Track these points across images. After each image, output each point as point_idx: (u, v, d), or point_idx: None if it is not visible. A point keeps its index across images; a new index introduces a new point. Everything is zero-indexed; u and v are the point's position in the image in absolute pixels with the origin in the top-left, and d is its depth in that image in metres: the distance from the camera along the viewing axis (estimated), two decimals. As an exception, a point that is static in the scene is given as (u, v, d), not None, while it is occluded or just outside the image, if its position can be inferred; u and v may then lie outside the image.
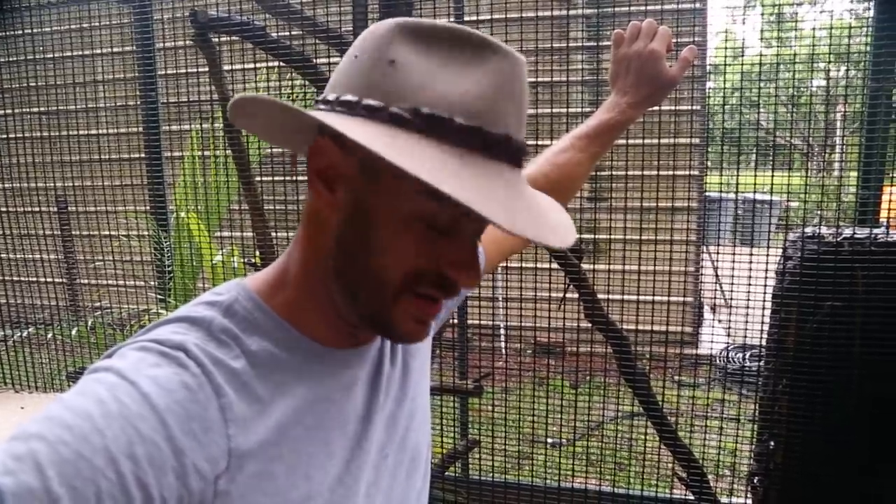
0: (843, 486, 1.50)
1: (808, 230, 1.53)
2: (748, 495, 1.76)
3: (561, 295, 2.25)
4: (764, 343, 1.58)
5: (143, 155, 2.71)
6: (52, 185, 2.91)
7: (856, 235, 1.48)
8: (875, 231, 1.51)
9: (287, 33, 1.93)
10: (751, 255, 1.75)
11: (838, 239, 1.48)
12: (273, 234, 1.93)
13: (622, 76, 1.08)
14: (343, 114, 0.59)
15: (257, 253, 1.96)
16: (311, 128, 0.64)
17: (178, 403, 0.55)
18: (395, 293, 0.62)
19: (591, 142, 1.07)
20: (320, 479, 0.65)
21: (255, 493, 0.60)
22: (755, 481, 1.55)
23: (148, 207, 2.65)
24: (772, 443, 1.51)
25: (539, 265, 2.75)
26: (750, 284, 1.64)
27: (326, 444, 0.66)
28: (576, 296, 2.00)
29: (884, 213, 1.91)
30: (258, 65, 2.45)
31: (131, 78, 2.81)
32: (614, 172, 3.33)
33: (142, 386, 0.54)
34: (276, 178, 2.32)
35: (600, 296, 2.16)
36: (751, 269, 1.78)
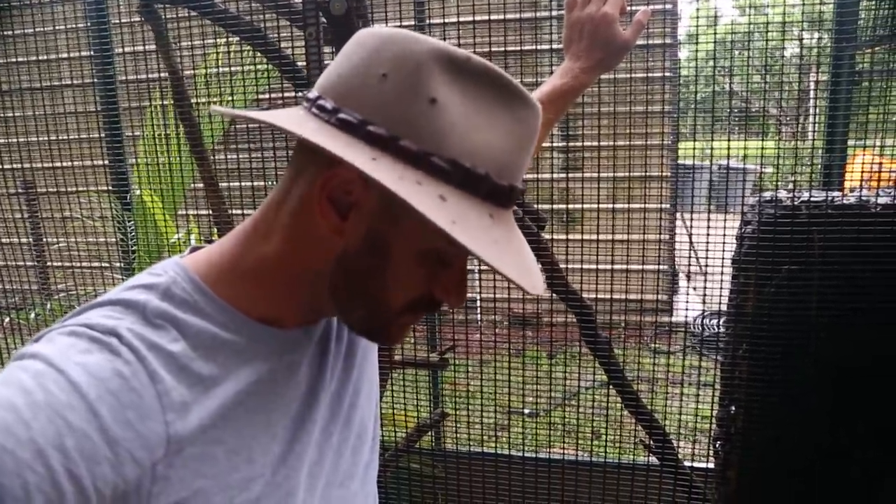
0: (804, 448, 1.53)
1: (767, 194, 1.53)
2: (709, 459, 1.79)
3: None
4: (725, 309, 1.59)
5: (103, 134, 2.64)
6: (9, 166, 2.84)
7: (812, 199, 1.48)
8: (832, 194, 1.52)
9: (236, 6, 1.87)
10: (708, 220, 1.75)
11: (795, 203, 1.48)
12: (230, 211, 1.90)
13: (575, 41, 1.08)
14: (372, 146, 0.56)
15: (215, 230, 1.93)
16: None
17: (110, 392, 0.53)
18: (394, 317, 0.64)
19: (545, 108, 1.05)
20: (262, 461, 0.64)
21: (195, 476, 0.58)
22: (717, 446, 1.57)
23: (109, 187, 2.60)
24: (732, 407, 1.54)
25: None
26: (708, 251, 1.65)
27: (269, 426, 0.65)
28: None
29: (856, 180, 1.92)
30: (219, 40, 2.39)
31: (81, 57, 2.72)
32: (586, 143, 3.31)
33: (71, 374, 0.52)
34: (230, 157, 2.27)
35: (574, 265, 2.16)
36: (707, 235, 1.78)
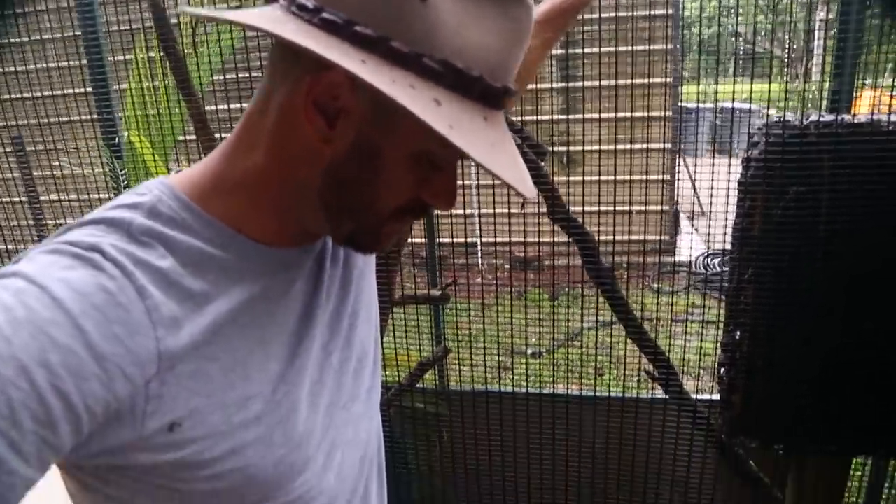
0: (808, 371, 1.52)
1: (774, 116, 1.49)
2: (714, 387, 1.80)
3: (535, 209, 2.21)
4: (730, 236, 1.56)
5: (89, 88, 2.58)
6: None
7: (822, 119, 1.44)
8: (843, 116, 1.47)
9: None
10: (713, 162, 1.71)
11: (804, 123, 1.44)
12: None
13: None
14: (359, 48, 0.53)
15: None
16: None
17: (95, 308, 0.51)
18: (382, 224, 0.63)
19: (543, 28, 1.01)
20: (260, 379, 0.63)
21: (190, 394, 0.57)
22: (721, 372, 1.57)
23: (100, 143, 2.55)
24: (737, 333, 1.53)
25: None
26: (713, 192, 1.61)
27: (264, 344, 0.63)
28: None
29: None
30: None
31: (59, 8, 2.63)
32: (587, 83, 3.24)
33: (53, 290, 0.50)
34: (221, 107, 2.22)
35: (576, 207, 2.13)
36: (712, 177, 1.74)
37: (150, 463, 0.57)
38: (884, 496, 2.04)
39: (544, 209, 2.07)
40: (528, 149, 1.66)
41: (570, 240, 1.83)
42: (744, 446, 1.58)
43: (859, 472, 2.18)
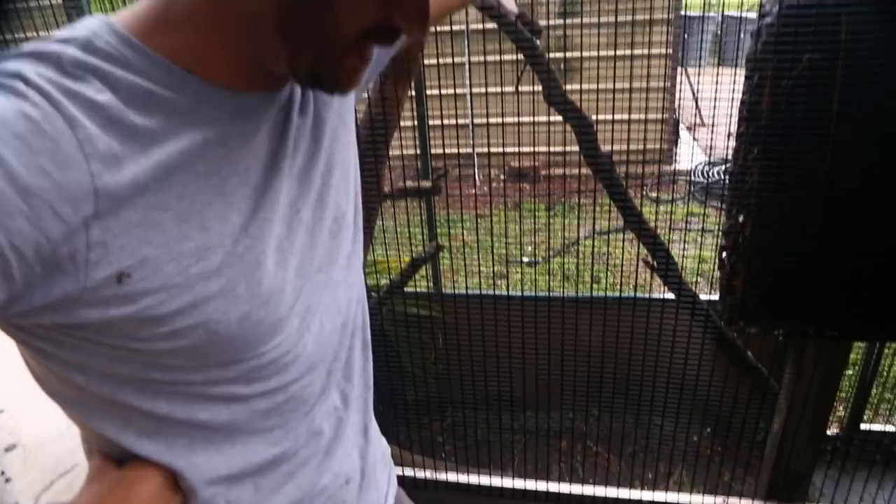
0: (811, 254, 1.48)
1: (790, -20, 1.37)
2: (712, 290, 1.76)
3: (531, 119, 2.12)
4: (737, 112, 1.48)
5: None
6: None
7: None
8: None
9: None
10: (717, 73, 1.60)
11: (822, -15, 1.33)
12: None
13: None
14: None
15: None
16: None
17: (15, 136, 0.44)
18: (345, 51, 0.56)
19: None
20: (219, 230, 0.56)
21: (139, 242, 0.51)
22: (723, 256, 1.52)
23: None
24: (741, 216, 1.47)
25: (505, 89, 2.59)
26: (712, 103, 1.52)
27: (223, 193, 0.57)
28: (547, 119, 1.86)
29: None
30: None
31: None
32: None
33: None
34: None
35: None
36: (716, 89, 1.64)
37: (101, 319, 0.52)
38: (876, 382, 2.04)
39: (540, 118, 1.97)
40: (523, 27, 1.55)
41: (567, 124, 1.74)
42: (742, 334, 1.55)
43: (851, 371, 2.19)
